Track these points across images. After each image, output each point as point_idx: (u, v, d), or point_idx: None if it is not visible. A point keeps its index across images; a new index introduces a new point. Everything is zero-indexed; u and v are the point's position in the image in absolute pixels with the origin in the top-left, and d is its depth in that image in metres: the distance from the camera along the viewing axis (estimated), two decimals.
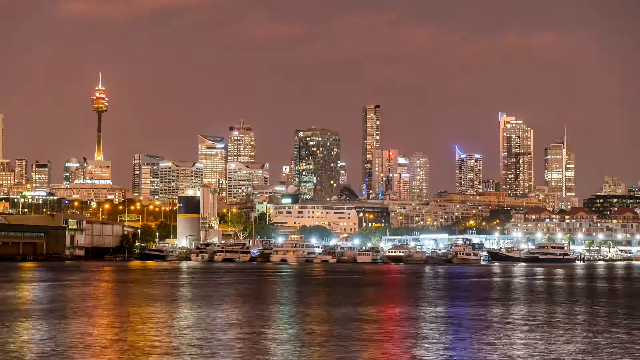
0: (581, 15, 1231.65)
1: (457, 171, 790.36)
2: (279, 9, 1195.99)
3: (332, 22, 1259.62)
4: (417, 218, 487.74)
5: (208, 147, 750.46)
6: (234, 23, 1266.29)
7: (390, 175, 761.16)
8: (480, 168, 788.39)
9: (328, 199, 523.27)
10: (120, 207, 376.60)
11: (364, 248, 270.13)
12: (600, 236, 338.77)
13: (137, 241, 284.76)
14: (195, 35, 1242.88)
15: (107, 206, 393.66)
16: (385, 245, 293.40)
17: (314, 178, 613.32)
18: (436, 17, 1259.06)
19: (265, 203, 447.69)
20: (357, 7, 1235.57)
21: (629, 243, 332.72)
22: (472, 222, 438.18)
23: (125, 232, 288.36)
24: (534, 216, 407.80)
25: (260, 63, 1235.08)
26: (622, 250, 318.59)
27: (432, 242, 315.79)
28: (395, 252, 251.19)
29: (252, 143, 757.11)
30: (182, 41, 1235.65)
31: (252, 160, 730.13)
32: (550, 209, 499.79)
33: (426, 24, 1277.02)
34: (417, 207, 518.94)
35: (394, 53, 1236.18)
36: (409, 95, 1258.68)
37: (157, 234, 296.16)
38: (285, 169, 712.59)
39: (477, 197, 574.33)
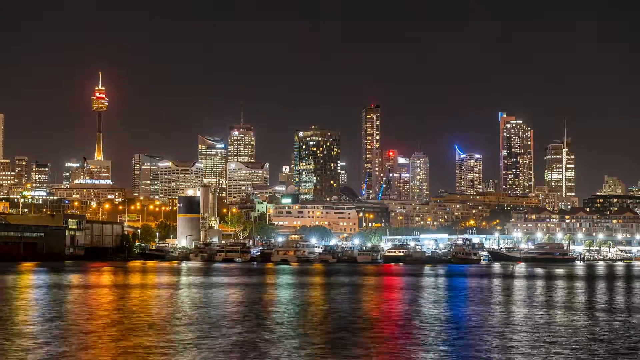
0: (580, 15, 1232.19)
1: (457, 171, 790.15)
2: None
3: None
4: (417, 218, 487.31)
5: (208, 147, 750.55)
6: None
7: (390, 175, 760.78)
8: (480, 168, 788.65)
9: (328, 199, 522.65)
10: (120, 207, 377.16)
11: (364, 248, 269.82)
12: (600, 236, 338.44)
13: (137, 241, 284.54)
14: (194, 35, 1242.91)
15: (107, 206, 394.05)
16: (385, 245, 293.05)
17: (314, 178, 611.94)
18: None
19: (265, 203, 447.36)
20: None
21: (628, 243, 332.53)
22: (472, 222, 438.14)
23: (125, 232, 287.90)
24: (534, 216, 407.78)
25: (259, 60, 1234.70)
26: (622, 250, 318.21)
27: (432, 242, 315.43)
28: (395, 252, 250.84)
29: (252, 143, 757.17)
30: (183, 40, 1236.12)
31: (252, 160, 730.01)
32: (550, 209, 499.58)
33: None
34: (417, 207, 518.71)
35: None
36: (410, 95, 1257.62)
37: (157, 234, 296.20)
38: (285, 169, 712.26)
39: (477, 197, 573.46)
